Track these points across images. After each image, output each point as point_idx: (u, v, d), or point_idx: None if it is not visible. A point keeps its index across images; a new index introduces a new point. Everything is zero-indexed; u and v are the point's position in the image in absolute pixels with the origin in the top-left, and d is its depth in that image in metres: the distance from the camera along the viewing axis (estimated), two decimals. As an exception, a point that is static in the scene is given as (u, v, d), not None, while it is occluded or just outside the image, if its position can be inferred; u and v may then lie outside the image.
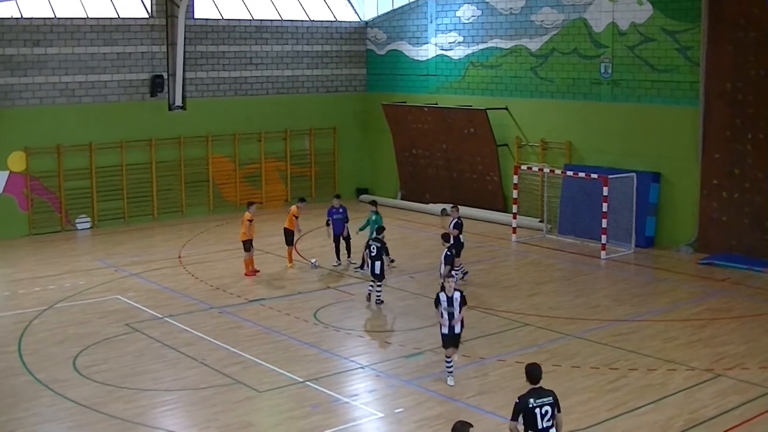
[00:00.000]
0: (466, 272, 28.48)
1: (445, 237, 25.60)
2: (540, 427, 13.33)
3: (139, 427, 17.42)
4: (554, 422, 13.48)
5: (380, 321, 24.72)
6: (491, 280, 28.72)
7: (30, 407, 18.39)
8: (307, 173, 43.28)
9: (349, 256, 30.94)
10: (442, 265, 24.37)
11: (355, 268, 29.95)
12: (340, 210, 30.83)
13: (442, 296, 19.43)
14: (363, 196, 43.69)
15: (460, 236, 27.79)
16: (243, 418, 17.82)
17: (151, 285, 28.09)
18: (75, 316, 24.73)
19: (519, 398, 13.50)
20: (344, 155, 44.29)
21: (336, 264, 30.66)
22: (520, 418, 13.35)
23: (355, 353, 21.75)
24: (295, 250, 31.16)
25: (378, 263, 25.73)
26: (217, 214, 39.17)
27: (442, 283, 19.58)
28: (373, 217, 29.68)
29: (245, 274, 29.00)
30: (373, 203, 31.06)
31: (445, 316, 19.46)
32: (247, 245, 29.10)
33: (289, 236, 30.37)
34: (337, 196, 31.91)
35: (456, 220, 28.16)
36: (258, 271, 29.35)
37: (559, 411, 13.60)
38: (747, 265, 29.77)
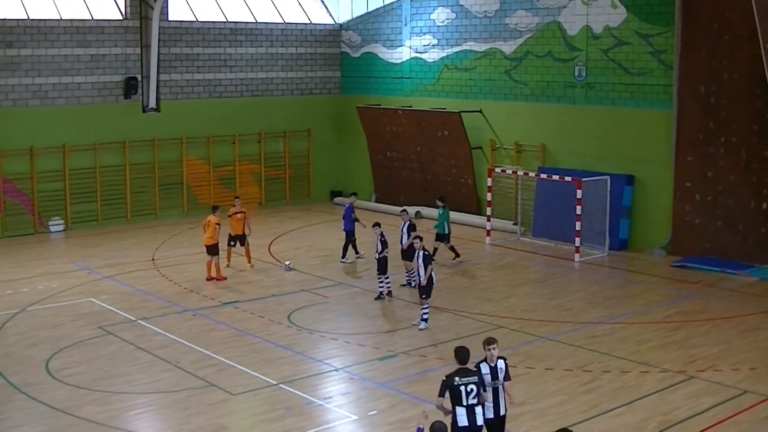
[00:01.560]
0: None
1: (418, 237, 25.31)
2: (465, 403, 14.36)
3: (113, 430, 17.35)
4: (480, 400, 14.48)
5: (354, 323, 24.67)
6: (465, 283, 28.76)
7: (2, 411, 18.30)
8: (281, 176, 43.23)
9: (344, 257, 31.62)
10: (422, 268, 24.04)
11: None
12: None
13: (485, 367, 14.87)
14: (337, 199, 43.69)
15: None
16: (217, 421, 17.78)
17: (124, 288, 28.00)
18: (48, 319, 24.62)
19: (446, 377, 14.49)
20: (318, 158, 44.25)
21: (358, 256, 31.79)
22: (447, 395, 14.37)
23: (328, 356, 21.74)
24: (269, 251, 31.10)
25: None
26: (191, 217, 39.00)
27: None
28: (441, 212, 30.64)
29: (216, 279, 28.81)
30: (441, 198, 31.55)
31: (489, 393, 14.81)
32: (215, 249, 28.91)
33: (240, 239, 30.28)
34: (354, 194, 33.18)
35: (408, 222, 28.21)
36: (216, 279, 28.95)
37: (485, 390, 14.62)
38: (720, 268, 29.91)
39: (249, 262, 30.58)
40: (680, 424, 17.58)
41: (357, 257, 31.66)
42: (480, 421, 14.55)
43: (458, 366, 14.66)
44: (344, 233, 31.55)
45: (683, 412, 18.13)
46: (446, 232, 30.85)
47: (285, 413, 18.15)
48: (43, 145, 36.10)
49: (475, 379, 14.46)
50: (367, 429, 17.60)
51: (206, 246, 28.89)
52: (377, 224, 27.48)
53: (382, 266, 26.59)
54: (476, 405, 14.41)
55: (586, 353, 21.86)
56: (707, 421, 17.71)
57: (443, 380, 14.45)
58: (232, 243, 30.43)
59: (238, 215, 30.14)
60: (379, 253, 26.49)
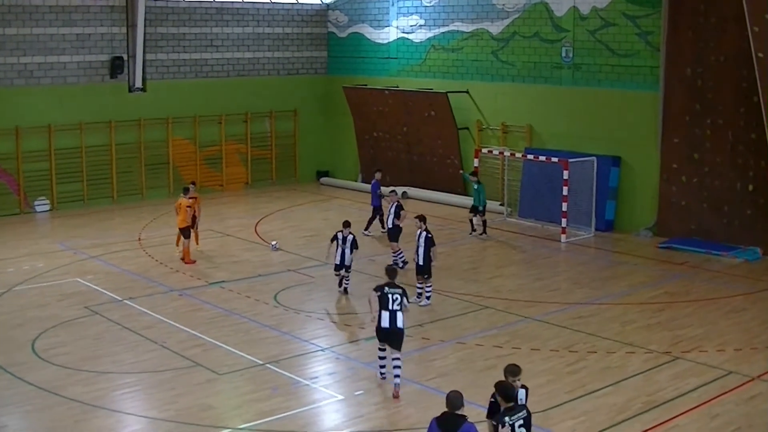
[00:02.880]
0: (406, 262, 27.71)
1: (421, 217, 25.07)
2: (390, 308, 18.29)
3: (99, 410, 17.36)
4: (402, 308, 18.44)
5: (340, 304, 24.70)
6: (451, 263, 28.76)
7: (-12, 390, 18.29)
8: (267, 156, 43.17)
9: (366, 229, 32.42)
10: (421, 248, 24.00)
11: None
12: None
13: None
14: (324, 179, 43.69)
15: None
16: (203, 401, 17.79)
17: (110, 268, 27.95)
18: (34, 299, 24.58)
19: (378, 285, 18.71)
20: (305, 138, 44.18)
21: (383, 231, 31.69)
22: (377, 299, 18.41)
23: (315, 336, 21.75)
24: (255, 231, 31.01)
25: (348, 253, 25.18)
26: (177, 197, 38.74)
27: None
28: (476, 187, 31.92)
29: (185, 262, 28.43)
30: (474, 174, 32.90)
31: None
32: (187, 232, 28.66)
33: (187, 231, 28.84)
34: (379, 170, 33.59)
35: (396, 203, 28.31)
36: (184, 261, 28.61)
37: (408, 302, 18.82)
38: (705, 249, 29.99)
39: (196, 243, 30.03)
40: (665, 404, 17.65)
41: (382, 231, 31.71)
42: (400, 324, 18.36)
43: (388, 281, 18.72)
44: (371, 208, 32.39)
45: (668, 393, 18.21)
46: (480, 204, 32.16)
47: (271, 393, 18.17)
48: (28, 124, 35.96)
49: (400, 291, 18.45)
50: (353, 409, 17.63)
51: (180, 229, 28.66)
52: (347, 223, 25.80)
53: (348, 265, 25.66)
54: (398, 311, 18.34)
55: (571, 334, 21.93)
56: (692, 402, 17.79)
57: (376, 286, 18.74)
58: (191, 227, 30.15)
59: (189, 200, 29.23)
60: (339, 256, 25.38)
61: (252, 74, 42.50)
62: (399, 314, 18.28)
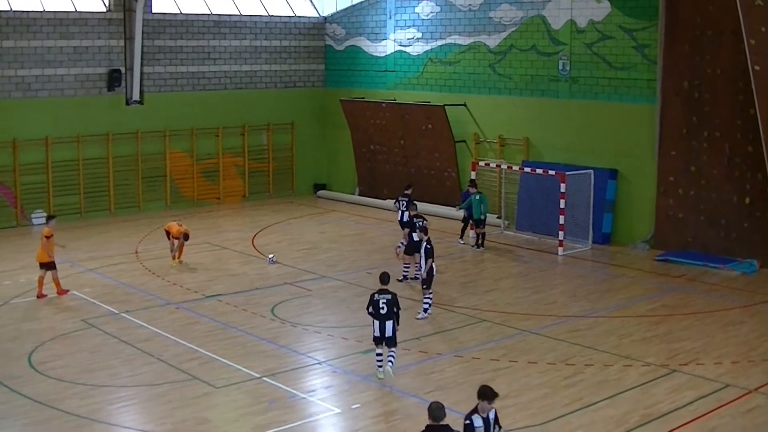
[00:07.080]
0: (406, 278, 27.93)
1: (423, 230, 25.33)
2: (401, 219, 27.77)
3: (95, 424, 17.31)
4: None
5: (337, 317, 24.65)
6: (448, 276, 28.74)
7: (-16, 404, 18.24)
8: (264, 168, 43.17)
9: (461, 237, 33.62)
10: (423, 259, 24.28)
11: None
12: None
13: (477, 420, 13.17)
14: (321, 192, 43.70)
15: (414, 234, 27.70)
16: (199, 414, 17.76)
17: (107, 280, 27.91)
18: (30, 312, 24.55)
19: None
20: (302, 151, 44.20)
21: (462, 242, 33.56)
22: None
23: (312, 349, 21.72)
24: (252, 244, 30.94)
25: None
26: (175, 210, 38.96)
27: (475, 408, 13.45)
28: (477, 197, 32.20)
29: (58, 293, 26.22)
30: (474, 185, 33.03)
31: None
32: (50, 266, 25.92)
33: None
34: (475, 184, 33.88)
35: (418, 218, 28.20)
36: (67, 290, 26.38)
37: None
38: (703, 262, 29.99)
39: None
40: (662, 417, 17.63)
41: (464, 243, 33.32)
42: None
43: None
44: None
45: (665, 406, 18.18)
46: (480, 217, 32.39)
47: (268, 406, 18.13)
48: (25, 137, 35.96)
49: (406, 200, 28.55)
50: (351, 422, 17.59)
51: (42, 264, 25.95)
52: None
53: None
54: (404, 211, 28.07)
55: (568, 347, 21.90)
56: (689, 415, 17.76)
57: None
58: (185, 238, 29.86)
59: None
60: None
61: (249, 87, 42.53)
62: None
